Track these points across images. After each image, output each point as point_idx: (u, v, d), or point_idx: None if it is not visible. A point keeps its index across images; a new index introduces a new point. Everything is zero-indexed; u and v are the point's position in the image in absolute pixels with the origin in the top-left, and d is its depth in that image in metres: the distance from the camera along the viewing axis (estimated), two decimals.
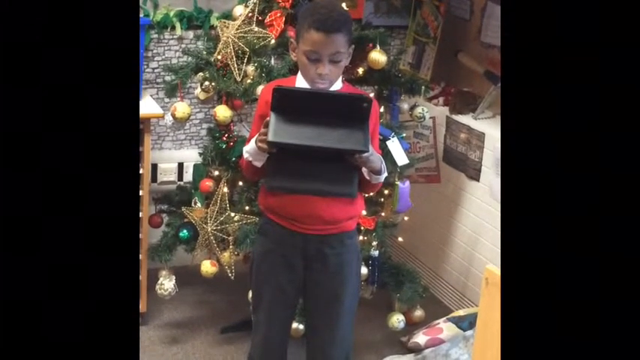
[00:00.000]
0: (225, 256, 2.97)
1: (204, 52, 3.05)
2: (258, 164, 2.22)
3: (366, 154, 2.07)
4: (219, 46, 2.91)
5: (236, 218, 2.92)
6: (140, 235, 3.16)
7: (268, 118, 2.04)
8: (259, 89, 2.71)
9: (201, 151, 3.15)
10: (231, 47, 2.86)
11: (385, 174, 2.28)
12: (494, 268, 1.66)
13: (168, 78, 3.23)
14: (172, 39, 3.53)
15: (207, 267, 3.03)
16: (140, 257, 3.17)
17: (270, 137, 2.02)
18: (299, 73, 2.26)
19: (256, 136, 2.14)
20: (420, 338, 3.15)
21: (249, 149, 2.22)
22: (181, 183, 3.53)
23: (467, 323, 3.12)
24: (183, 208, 3.06)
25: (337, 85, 2.25)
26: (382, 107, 2.98)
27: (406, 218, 3.24)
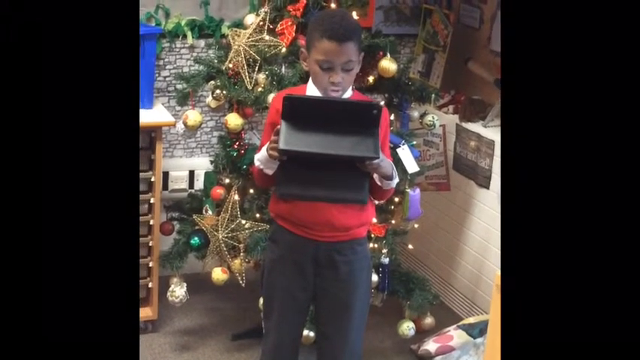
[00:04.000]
0: (236, 263, 2.98)
1: (216, 61, 3.07)
2: (270, 172, 2.23)
3: (376, 161, 2.08)
4: (231, 54, 2.93)
5: (247, 226, 2.94)
6: (151, 242, 3.18)
7: (279, 126, 2.05)
8: (270, 97, 2.73)
9: (212, 159, 3.17)
10: (243, 56, 2.88)
11: (396, 179, 2.28)
12: None
13: (179, 86, 3.25)
14: (184, 48, 3.56)
15: (218, 274, 3.04)
16: (151, 264, 3.19)
17: (281, 145, 2.03)
18: (309, 82, 2.27)
19: (267, 144, 2.15)
20: (431, 346, 3.15)
21: (260, 157, 2.23)
22: (192, 190, 3.55)
23: (477, 331, 3.12)
24: (195, 216, 3.08)
25: (347, 94, 2.26)
26: (392, 115, 2.99)
27: (416, 226, 3.25)
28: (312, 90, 2.25)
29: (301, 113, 2.03)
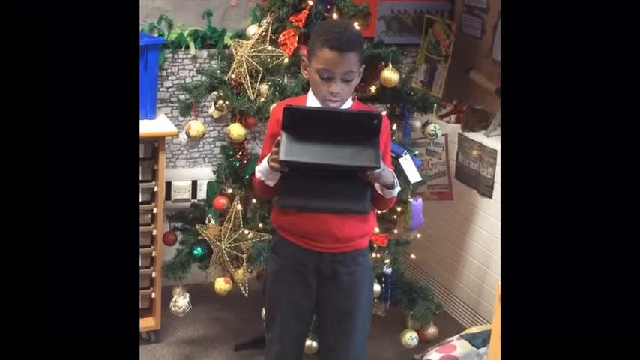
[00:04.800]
0: (239, 273, 2.98)
1: (218, 71, 3.08)
2: (271, 183, 2.23)
3: (377, 170, 2.08)
4: (233, 65, 2.94)
5: (249, 235, 2.94)
6: (154, 252, 3.18)
7: (279, 138, 2.06)
8: (273, 107, 2.73)
9: (214, 169, 3.17)
10: (245, 66, 2.89)
11: (398, 188, 2.28)
12: None
13: (182, 97, 3.26)
14: (186, 58, 3.57)
15: (221, 284, 3.04)
16: (154, 274, 3.19)
17: (282, 156, 2.03)
18: (310, 92, 2.27)
19: (268, 155, 2.15)
20: (434, 355, 3.14)
21: (261, 169, 2.23)
22: (195, 201, 3.55)
23: (480, 340, 3.11)
24: (197, 226, 3.08)
25: (348, 104, 2.26)
26: (394, 125, 3.00)
27: (419, 235, 3.25)
28: (312, 100, 2.25)
29: (301, 124, 2.03)
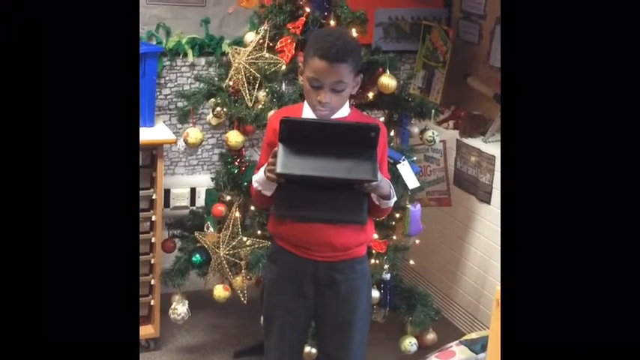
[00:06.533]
0: (238, 280, 2.98)
1: (216, 79, 3.08)
2: (268, 193, 2.22)
3: (375, 182, 2.07)
4: (231, 72, 2.94)
5: (248, 242, 2.94)
6: (153, 260, 3.18)
7: (276, 149, 2.05)
8: (270, 115, 2.74)
9: (213, 176, 3.18)
10: (243, 73, 2.89)
11: (394, 198, 2.28)
12: None
13: (180, 104, 3.26)
14: (184, 66, 3.58)
15: (220, 291, 3.04)
16: (153, 282, 3.19)
17: (279, 169, 2.03)
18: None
19: (265, 165, 2.15)
20: None
21: (258, 179, 2.23)
22: (194, 208, 3.55)
23: (479, 346, 3.11)
24: (196, 233, 3.08)
25: (345, 112, 2.25)
26: (392, 131, 3.00)
27: (417, 241, 3.25)
28: (307, 108, 2.24)
29: (299, 136, 2.02)
